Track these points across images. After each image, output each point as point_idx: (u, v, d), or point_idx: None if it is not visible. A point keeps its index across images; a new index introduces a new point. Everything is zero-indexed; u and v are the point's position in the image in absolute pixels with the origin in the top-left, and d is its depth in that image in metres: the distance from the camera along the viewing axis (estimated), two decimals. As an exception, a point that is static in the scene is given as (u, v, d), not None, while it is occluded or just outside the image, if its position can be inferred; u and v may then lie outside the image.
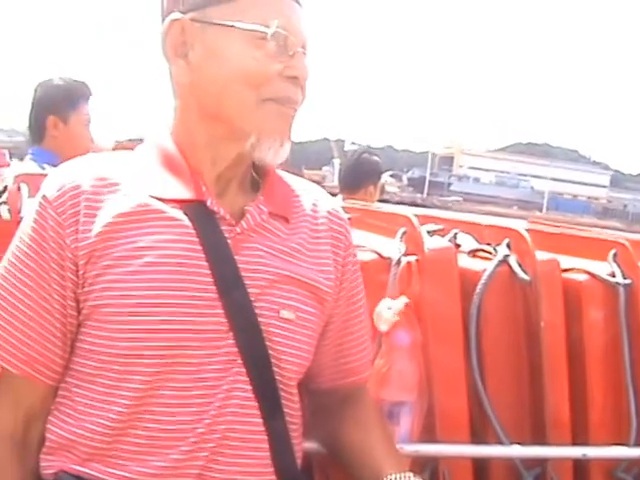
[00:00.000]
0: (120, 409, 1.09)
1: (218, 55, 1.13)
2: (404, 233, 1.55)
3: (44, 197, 1.12)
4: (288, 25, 1.13)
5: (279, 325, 1.15)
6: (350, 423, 1.30)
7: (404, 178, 65.76)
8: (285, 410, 1.18)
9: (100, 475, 1.09)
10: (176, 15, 1.15)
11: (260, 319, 1.14)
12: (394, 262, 1.49)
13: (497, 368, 1.53)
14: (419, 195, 55.60)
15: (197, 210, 1.14)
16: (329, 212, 1.29)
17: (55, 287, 1.11)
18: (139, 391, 1.08)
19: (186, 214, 1.13)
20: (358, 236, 1.67)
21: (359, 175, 4.02)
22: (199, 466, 1.09)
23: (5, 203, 1.51)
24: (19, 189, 2.31)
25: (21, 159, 2.90)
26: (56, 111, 2.84)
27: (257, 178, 1.25)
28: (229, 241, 1.14)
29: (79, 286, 1.10)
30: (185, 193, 1.15)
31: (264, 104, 1.13)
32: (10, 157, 3.60)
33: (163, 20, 1.17)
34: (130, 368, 1.08)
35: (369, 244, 1.60)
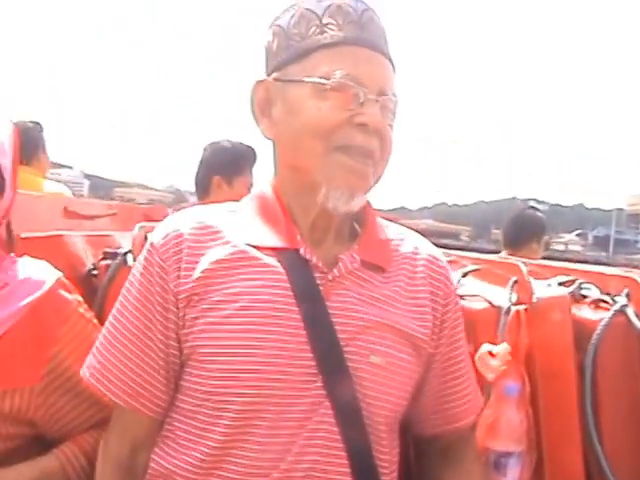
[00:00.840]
0: (213, 444, 1.15)
1: (292, 109, 1.19)
2: (515, 282, 1.54)
3: (151, 244, 1.22)
4: (357, 74, 1.16)
5: (368, 370, 1.17)
6: (451, 473, 1.31)
7: (590, 237, 63.12)
8: (374, 454, 1.19)
9: None
10: (261, 77, 1.24)
11: (349, 363, 1.16)
12: (504, 311, 1.49)
13: (614, 421, 1.46)
14: (604, 254, 53.02)
15: (290, 258, 1.19)
16: (428, 260, 1.30)
17: (159, 328, 1.19)
18: (230, 427, 1.14)
19: (280, 261, 1.19)
20: (475, 286, 1.69)
21: (522, 232, 3.96)
22: None
23: (131, 252, 1.66)
24: (145, 238, 2.49)
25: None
26: (222, 172, 3.03)
27: (357, 228, 1.29)
28: (321, 287, 1.18)
29: (180, 327, 1.18)
30: (280, 241, 1.21)
31: (333, 154, 1.16)
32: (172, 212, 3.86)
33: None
34: (222, 406, 1.14)
35: (484, 293, 1.60)
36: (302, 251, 1.20)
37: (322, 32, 1.19)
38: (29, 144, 3.74)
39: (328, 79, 1.16)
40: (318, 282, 1.19)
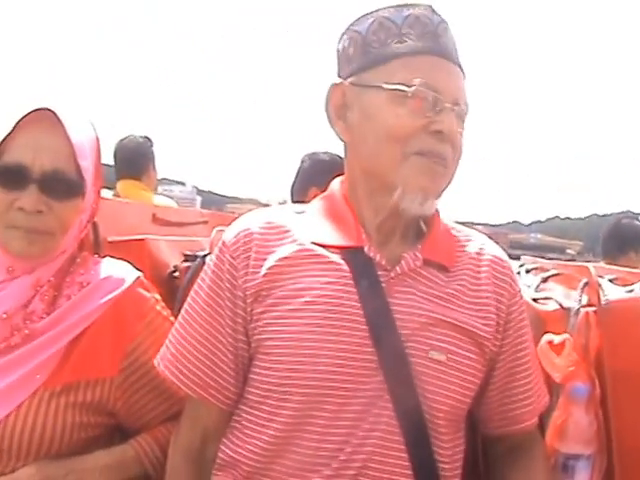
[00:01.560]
0: (275, 433, 1.20)
1: (369, 115, 1.24)
2: (585, 284, 1.53)
3: (223, 242, 1.29)
4: (435, 83, 1.21)
5: (428, 365, 1.20)
6: (517, 475, 1.33)
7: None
8: (433, 449, 1.21)
9: None
10: (337, 80, 1.28)
11: (410, 358, 1.19)
12: (572, 313, 1.48)
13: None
14: None
15: (355, 256, 1.24)
16: (492, 260, 1.32)
17: (228, 322, 1.25)
18: (291, 418, 1.19)
19: (344, 259, 1.24)
20: (552, 290, 1.68)
21: (620, 242, 3.87)
22: None
23: (209, 254, 1.74)
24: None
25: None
26: (318, 183, 3.08)
27: (424, 229, 1.32)
28: (383, 284, 1.22)
29: (248, 322, 1.24)
30: (345, 240, 1.26)
31: (409, 158, 1.21)
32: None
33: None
34: (285, 397, 1.20)
35: (557, 296, 1.60)
36: (366, 249, 1.24)
37: (401, 41, 1.23)
38: (140, 158, 3.89)
39: (408, 86, 1.21)
40: (381, 279, 1.23)
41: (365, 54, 1.25)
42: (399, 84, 1.21)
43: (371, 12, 1.27)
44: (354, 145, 1.28)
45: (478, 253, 1.32)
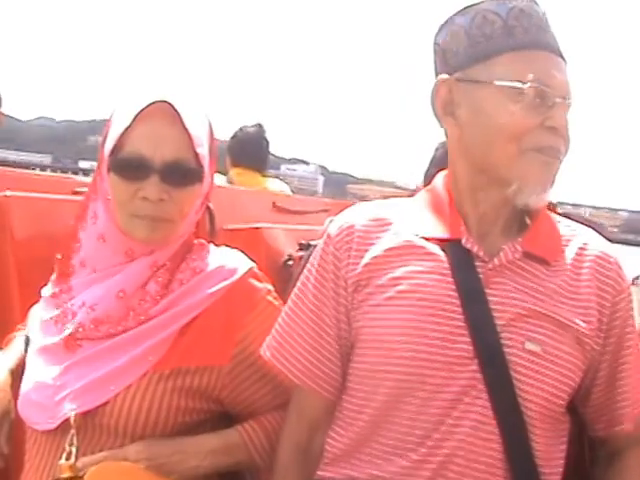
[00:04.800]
0: (368, 417, 1.23)
1: (481, 111, 1.23)
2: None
3: (328, 235, 1.33)
4: (545, 78, 1.20)
5: (523, 356, 1.20)
6: (624, 475, 1.31)
7: None
8: (530, 442, 1.20)
9: (347, 475, 1.25)
10: (444, 76, 1.27)
11: (505, 349, 1.19)
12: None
13: None
14: None
15: (453, 247, 1.25)
16: (597, 257, 1.29)
17: (332, 311, 1.29)
18: (383, 403, 1.22)
19: (443, 250, 1.25)
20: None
21: None
22: (426, 476, 1.18)
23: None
24: None
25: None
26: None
27: (528, 222, 1.31)
28: (480, 275, 1.22)
29: (349, 310, 1.27)
30: (445, 232, 1.27)
31: (526, 154, 1.21)
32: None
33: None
34: (378, 382, 1.22)
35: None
36: (464, 241, 1.25)
37: (508, 35, 1.21)
38: (253, 146, 3.99)
39: (521, 83, 1.19)
40: (478, 270, 1.23)
41: (471, 49, 1.24)
42: (512, 81, 1.20)
43: (470, 6, 1.26)
44: (463, 141, 1.28)
45: (582, 248, 1.30)
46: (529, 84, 1.19)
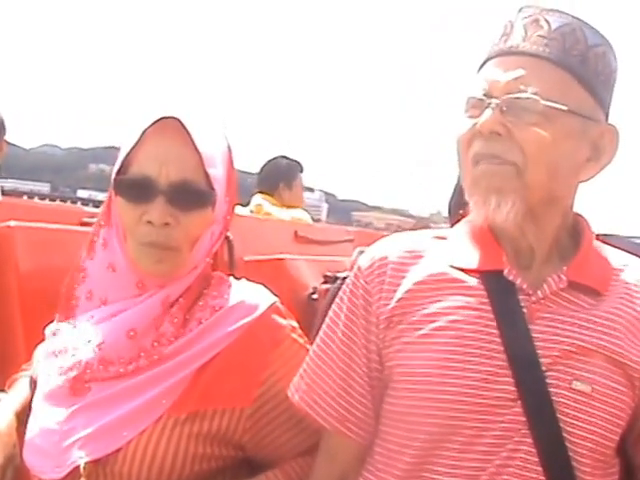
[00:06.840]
0: (404, 466, 1.14)
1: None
2: None
3: (358, 267, 1.25)
4: (485, 84, 1.16)
5: (571, 397, 1.11)
6: None
7: None
8: None
9: None
10: None
11: (551, 389, 1.11)
12: None
13: None
14: None
15: (494, 279, 1.17)
16: None
17: (362, 351, 1.21)
18: (421, 449, 1.13)
19: (482, 283, 1.17)
20: None
21: None
22: None
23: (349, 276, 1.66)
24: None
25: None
26: None
27: (573, 251, 1.22)
28: (524, 309, 1.14)
29: (381, 349, 1.19)
30: (484, 263, 1.18)
31: (476, 166, 1.16)
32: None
33: None
34: (415, 427, 1.14)
35: None
36: (506, 272, 1.17)
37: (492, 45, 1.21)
38: (273, 175, 4.07)
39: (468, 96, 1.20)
40: (522, 304, 1.15)
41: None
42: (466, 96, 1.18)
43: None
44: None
45: (635, 278, 1.21)
46: (468, 93, 1.17)
